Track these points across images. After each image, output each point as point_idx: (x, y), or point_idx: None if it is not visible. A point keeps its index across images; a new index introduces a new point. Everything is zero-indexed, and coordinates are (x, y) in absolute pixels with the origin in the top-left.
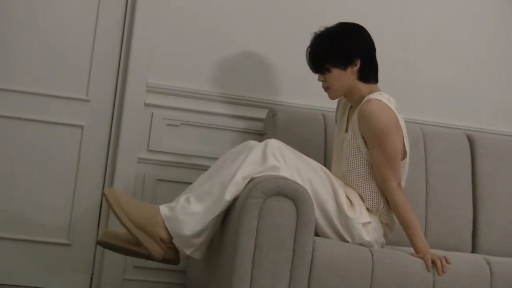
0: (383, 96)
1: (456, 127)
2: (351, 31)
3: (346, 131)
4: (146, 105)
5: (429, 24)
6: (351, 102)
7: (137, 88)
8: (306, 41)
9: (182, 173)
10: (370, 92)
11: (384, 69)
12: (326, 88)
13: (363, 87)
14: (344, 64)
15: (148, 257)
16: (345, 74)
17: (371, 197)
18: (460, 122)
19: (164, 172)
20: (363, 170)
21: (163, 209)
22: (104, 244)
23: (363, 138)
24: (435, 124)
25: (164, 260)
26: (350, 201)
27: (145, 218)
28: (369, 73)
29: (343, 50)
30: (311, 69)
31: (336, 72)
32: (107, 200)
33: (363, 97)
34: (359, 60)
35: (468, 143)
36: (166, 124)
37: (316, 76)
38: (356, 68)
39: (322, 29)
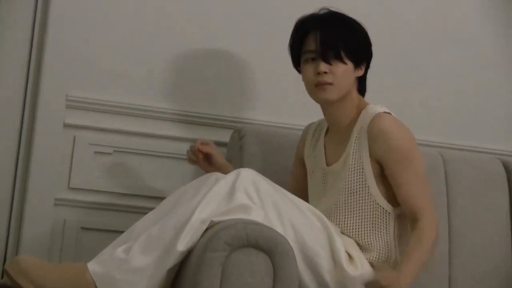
0: (387, 109)
1: (488, 151)
2: (365, 30)
3: (329, 164)
4: (66, 125)
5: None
6: (335, 118)
7: (53, 102)
8: (278, 42)
9: (116, 218)
10: (360, 106)
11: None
12: (326, 84)
13: (356, 99)
14: (357, 61)
15: None
16: (352, 74)
17: (378, 247)
18: (492, 144)
19: (90, 218)
20: (369, 211)
21: (92, 265)
22: None
23: (380, 163)
24: (460, 147)
25: None
26: (348, 253)
27: (69, 283)
28: (365, 83)
29: (364, 45)
30: (318, 53)
31: (348, 67)
32: (9, 277)
33: (352, 113)
34: (365, 64)
35: (504, 171)
36: (94, 151)
37: (293, 85)
38: (360, 72)
39: (335, 10)
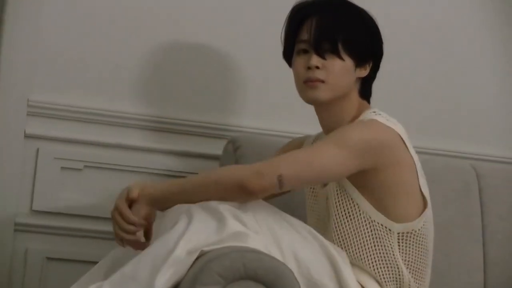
0: (379, 115)
1: None
2: (372, 17)
3: (325, 184)
4: (27, 136)
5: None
6: (330, 124)
7: (12, 108)
8: (274, 38)
9: (87, 247)
10: (359, 113)
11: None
12: (317, 81)
13: (355, 103)
14: (360, 59)
15: None
16: (351, 73)
17: (387, 273)
18: None
19: (57, 246)
20: (368, 234)
21: None
22: None
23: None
24: (497, 159)
25: None
26: (361, 286)
27: None
28: (370, 87)
29: (371, 41)
30: (311, 44)
31: (346, 64)
32: None
33: (349, 118)
34: (371, 64)
35: None
36: (61, 167)
37: (293, 87)
38: (363, 73)
39: None
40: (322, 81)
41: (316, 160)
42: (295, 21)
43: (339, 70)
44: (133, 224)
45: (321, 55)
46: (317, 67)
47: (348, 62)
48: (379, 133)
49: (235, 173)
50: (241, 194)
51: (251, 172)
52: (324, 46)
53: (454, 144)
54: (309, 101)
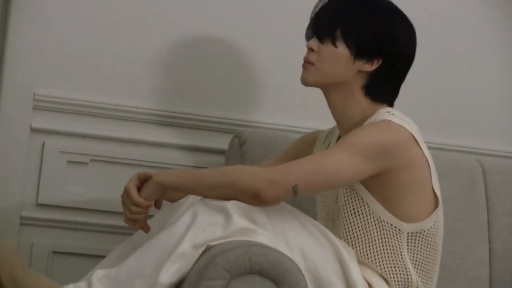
0: (392, 115)
1: None
2: (394, 14)
3: None
4: (33, 130)
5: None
6: (339, 119)
7: (18, 102)
8: (283, 32)
9: (94, 241)
10: (368, 112)
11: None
12: (308, 63)
13: (361, 101)
14: (359, 51)
15: None
16: (345, 63)
17: (395, 274)
18: None
19: (63, 240)
20: (376, 234)
21: None
22: None
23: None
24: (503, 153)
25: None
26: (367, 283)
27: None
28: (380, 84)
29: (380, 37)
30: (310, 26)
31: (338, 52)
32: None
33: (356, 118)
34: (380, 60)
35: None
36: (67, 160)
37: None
38: (368, 67)
39: None
40: (312, 63)
41: (330, 169)
42: (315, 6)
43: (329, 56)
44: (139, 205)
45: (319, 38)
46: (312, 49)
47: (342, 50)
48: (391, 135)
49: (250, 180)
50: (255, 201)
51: (266, 182)
52: (322, 29)
53: (460, 139)
54: (301, 82)
